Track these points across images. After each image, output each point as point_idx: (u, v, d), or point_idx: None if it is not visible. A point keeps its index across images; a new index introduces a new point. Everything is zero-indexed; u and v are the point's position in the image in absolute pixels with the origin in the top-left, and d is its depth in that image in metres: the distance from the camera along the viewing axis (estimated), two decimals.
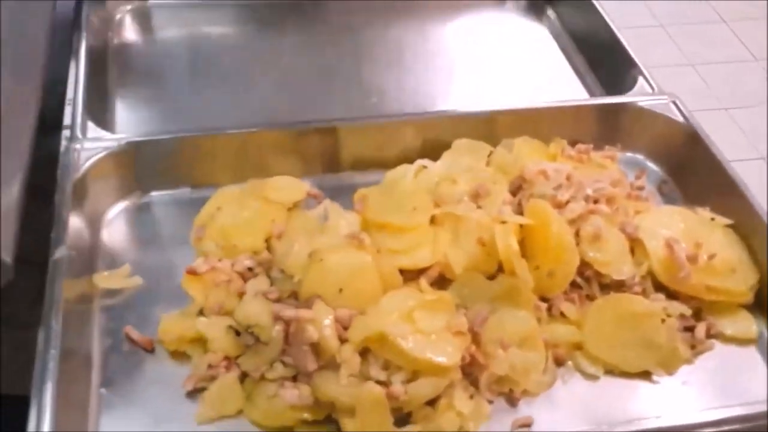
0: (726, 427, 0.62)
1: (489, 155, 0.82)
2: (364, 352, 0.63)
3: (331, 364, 0.62)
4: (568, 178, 0.76)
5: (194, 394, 0.64)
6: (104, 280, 0.70)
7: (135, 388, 0.64)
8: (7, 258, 0.57)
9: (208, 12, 1.05)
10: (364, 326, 0.63)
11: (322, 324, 0.62)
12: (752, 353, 0.70)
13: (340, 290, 0.65)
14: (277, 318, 0.63)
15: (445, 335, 0.64)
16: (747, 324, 0.71)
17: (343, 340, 0.63)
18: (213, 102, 0.91)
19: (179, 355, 0.66)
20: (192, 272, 0.68)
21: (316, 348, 0.63)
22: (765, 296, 0.72)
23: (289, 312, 0.63)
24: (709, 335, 0.70)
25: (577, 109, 0.86)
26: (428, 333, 0.63)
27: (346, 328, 0.64)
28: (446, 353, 0.63)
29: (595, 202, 0.75)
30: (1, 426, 0.70)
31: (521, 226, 0.71)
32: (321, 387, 0.62)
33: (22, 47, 0.75)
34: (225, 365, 0.64)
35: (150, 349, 0.66)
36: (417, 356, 0.62)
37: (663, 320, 0.67)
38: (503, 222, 0.70)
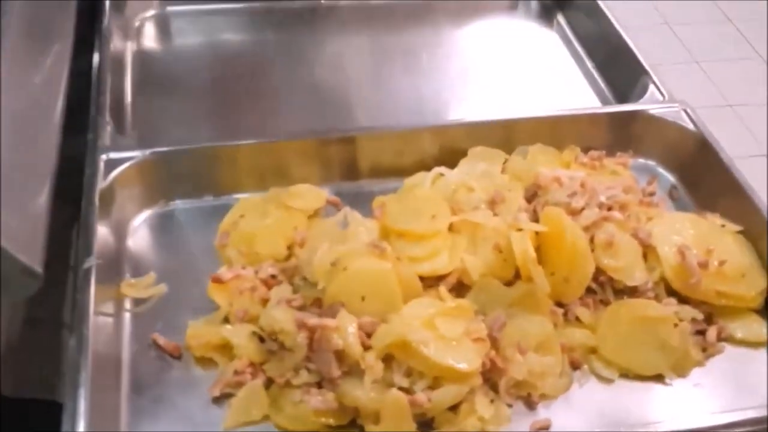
0: (738, 430, 0.64)
1: (504, 162, 0.84)
2: (388, 359, 0.65)
3: (355, 371, 0.64)
4: (582, 185, 0.78)
5: (221, 399, 0.66)
6: (130, 288, 0.72)
7: (164, 394, 0.66)
8: (39, 268, 0.59)
9: (226, 18, 1.07)
10: (387, 333, 0.65)
11: (346, 332, 0.64)
12: (762, 356, 0.72)
13: (363, 298, 0.67)
14: (301, 325, 0.65)
15: (465, 341, 0.66)
16: (757, 327, 0.73)
17: (366, 347, 0.65)
18: (231, 108, 0.94)
19: (206, 361, 0.68)
20: (217, 280, 0.70)
21: (340, 355, 0.64)
22: None
23: (313, 320, 0.65)
24: (720, 338, 0.72)
25: (591, 117, 0.88)
26: (449, 339, 0.65)
27: (369, 336, 0.65)
28: (467, 359, 0.65)
29: (609, 209, 0.76)
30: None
31: (537, 233, 0.73)
32: (346, 393, 0.64)
33: (46, 50, 0.78)
34: (251, 371, 0.66)
35: (177, 356, 0.68)
36: (439, 362, 0.64)
37: (675, 324, 0.69)
38: (519, 229, 0.72)
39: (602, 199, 0.77)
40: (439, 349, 0.64)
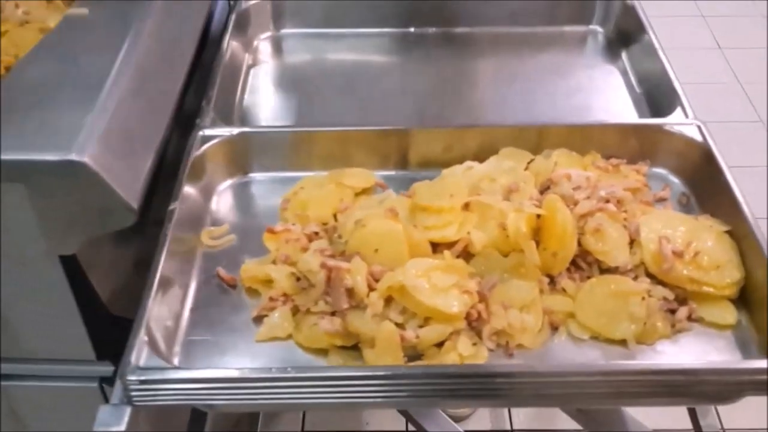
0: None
1: (529, 162, 0.97)
2: (389, 300, 0.79)
3: (362, 306, 0.80)
4: (588, 181, 0.91)
5: (260, 320, 0.83)
6: (207, 234, 0.92)
7: (217, 313, 0.84)
8: (135, 205, 0.78)
9: (331, 41, 1.27)
10: (389, 278, 0.79)
11: (356, 274, 0.80)
12: (728, 336, 0.81)
13: (376, 250, 0.82)
14: (323, 266, 0.81)
15: (453, 291, 0.79)
16: (726, 312, 0.81)
17: (372, 289, 0.80)
18: (324, 111, 1.13)
19: (252, 292, 0.86)
20: (270, 231, 0.89)
21: (350, 292, 0.80)
22: (750, 293, 0.83)
23: (332, 262, 0.81)
24: (690, 319, 0.82)
25: (614, 128, 1.00)
26: (440, 288, 0.79)
27: (377, 280, 0.81)
28: (452, 305, 0.78)
29: (606, 201, 0.88)
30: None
31: (538, 216, 0.86)
32: (351, 321, 0.79)
33: (172, 59, 1.00)
34: (283, 300, 0.83)
35: (233, 285, 0.87)
36: (427, 303, 0.78)
37: (643, 298, 0.80)
38: (519, 211, 0.86)
39: (602, 193, 0.89)
40: (429, 294, 0.78)
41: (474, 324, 0.80)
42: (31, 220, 0.75)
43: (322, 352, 0.80)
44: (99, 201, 0.75)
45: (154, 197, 0.87)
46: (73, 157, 0.71)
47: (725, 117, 2.45)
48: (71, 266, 0.80)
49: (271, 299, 0.83)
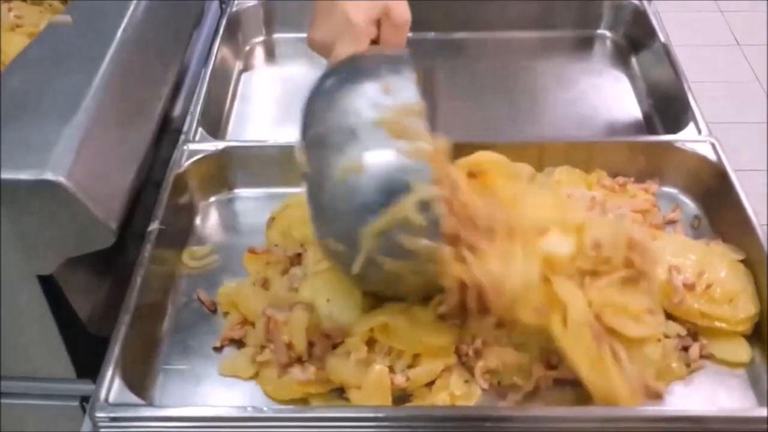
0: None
1: (531, 179, 0.91)
2: (371, 342, 0.73)
3: (338, 351, 0.73)
4: (593, 201, 0.85)
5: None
6: (189, 254, 0.87)
7: (195, 337, 0.79)
8: (113, 225, 0.74)
9: None
10: (369, 319, 0.73)
11: (294, 329, 0.73)
12: (740, 375, 0.75)
13: (328, 300, 0.76)
14: (263, 313, 0.75)
15: (438, 323, 0.74)
16: (739, 349, 0.76)
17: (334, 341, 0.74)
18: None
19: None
20: (252, 252, 0.84)
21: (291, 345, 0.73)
22: (765, 328, 0.77)
23: (270, 311, 0.75)
24: (701, 356, 0.76)
25: (621, 145, 0.94)
26: (425, 322, 0.74)
27: (329, 337, 0.74)
28: (440, 334, 0.73)
29: None
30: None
31: None
32: (333, 368, 0.72)
33: (158, 68, 0.95)
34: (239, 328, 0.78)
35: (213, 309, 0.82)
36: (414, 335, 0.72)
37: (659, 340, 0.74)
38: None
39: (609, 215, 0.84)
40: (415, 327, 0.73)
41: (465, 359, 0.75)
42: (6, 238, 0.72)
43: (299, 401, 0.74)
44: (76, 221, 0.71)
45: (138, 211, 0.84)
46: (49, 176, 0.67)
47: (740, 118, 2.39)
48: (49, 285, 0.76)
49: (233, 327, 0.78)
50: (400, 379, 0.71)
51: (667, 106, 1.04)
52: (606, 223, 0.77)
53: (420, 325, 0.73)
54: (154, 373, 0.77)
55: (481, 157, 0.84)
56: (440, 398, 0.72)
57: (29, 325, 0.80)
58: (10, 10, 1.00)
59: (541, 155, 0.93)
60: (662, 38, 1.10)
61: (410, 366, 0.73)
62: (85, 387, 0.85)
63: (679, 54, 1.07)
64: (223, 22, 1.15)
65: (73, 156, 0.70)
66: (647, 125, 1.04)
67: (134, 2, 0.89)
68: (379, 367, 0.71)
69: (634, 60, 1.16)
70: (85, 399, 0.87)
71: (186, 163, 0.90)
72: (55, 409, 0.89)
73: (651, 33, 1.12)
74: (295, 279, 0.79)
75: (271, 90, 1.14)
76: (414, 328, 0.73)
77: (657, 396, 0.72)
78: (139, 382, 0.74)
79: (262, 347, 0.75)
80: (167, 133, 0.97)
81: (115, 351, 0.72)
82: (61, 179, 0.67)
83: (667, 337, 0.75)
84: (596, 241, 0.72)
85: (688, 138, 0.93)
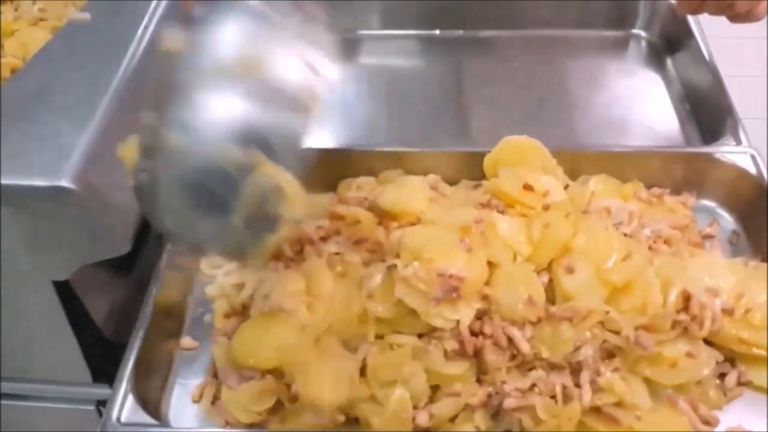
0: None
1: (565, 188, 0.86)
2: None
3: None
4: (630, 216, 0.81)
5: None
6: (209, 261, 0.84)
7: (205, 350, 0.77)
8: (129, 232, 0.72)
9: (354, 44, 1.18)
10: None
11: None
12: None
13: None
14: None
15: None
16: None
17: None
18: (341, 122, 1.04)
19: None
20: None
21: None
22: None
23: None
24: (739, 383, 0.73)
25: (659, 155, 0.89)
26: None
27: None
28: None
29: (653, 242, 0.79)
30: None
31: None
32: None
33: None
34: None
35: None
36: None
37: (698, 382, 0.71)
38: None
39: (647, 232, 0.80)
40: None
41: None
42: (21, 244, 0.71)
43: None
44: (91, 229, 0.70)
45: None
46: (63, 183, 0.66)
47: None
48: (65, 291, 0.75)
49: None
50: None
51: (705, 112, 0.99)
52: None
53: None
54: (169, 389, 0.74)
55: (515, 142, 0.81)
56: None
57: (45, 330, 0.79)
58: (34, 3, 0.98)
59: (574, 163, 0.89)
60: (700, 39, 1.05)
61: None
62: (101, 391, 0.85)
63: (721, 50, 1.03)
64: None
65: (89, 161, 0.68)
66: (683, 131, 0.99)
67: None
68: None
69: (669, 61, 1.11)
70: (101, 403, 0.87)
71: None
72: (71, 413, 0.88)
73: (688, 33, 1.07)
74: None
75: None
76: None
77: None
78: (153, 398, 0.72)
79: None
80: None
81: (128, 367, 0.70)
82: (75, 186, 0.66)
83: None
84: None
85: (726, 149, 0.88)
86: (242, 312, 0.76)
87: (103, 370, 0.83)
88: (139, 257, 0.84)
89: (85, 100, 0.74)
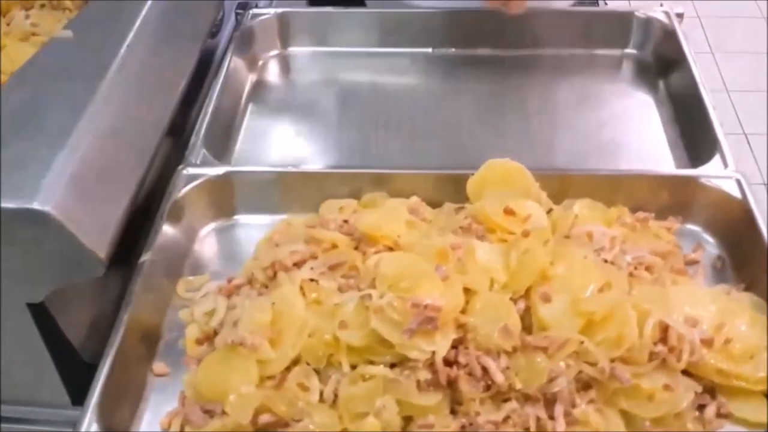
0: None
1: (548, 212, 0.85)
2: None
3: None
4: (612, 241, 0.80)
5: None
6: (185, 284, 0.84)
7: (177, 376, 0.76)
8: (102, 255, 0.71)
9: (347, 60, 1.17)
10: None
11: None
12: None
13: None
14: None
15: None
16: (760, 409, 0.71)
17: None
18: (328, 141, 1.03)
19: None
20: (229, 282, 0.81)
21: None
22: None
23: None
24: (719, 414, 0.71)
25: (644, 179, 0.89)
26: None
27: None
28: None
29: (634, 268, 0.78)
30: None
31: None
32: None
33: (163, 88, 0.92)
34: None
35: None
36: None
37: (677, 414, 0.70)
38: None
39: (628, 258, 0.79)
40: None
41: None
42: None
43: None
44: (65, 251, 0.69)
45: (137, 231, 0.82)
46: (36, 206, 0.65)
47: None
48: (40, 313, 0.74)
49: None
50: None
51: (693, 135, 0.98)
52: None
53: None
54: (139, 416, 0.74)
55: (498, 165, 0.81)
56: None
57: (21, 353, 0.78)
58: (27, 17, 0.98)
59: (559, 186, 0.88)
60: (691, 61, 1.04)
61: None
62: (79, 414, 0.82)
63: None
64: (236, 35, 1.12)
65: (64, 183, 0.68)
66: (673, 154, 0.98)
67: (141, 17, 0.87)
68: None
69: (661, 83, 1.10)
70: None
71: (184, 189, 0.87)
72: None
73: (680, 54, 1.07)
74: None
75: (284, 105, 1.10)
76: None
77: None
78: (121, 426, 0.72)
79: None
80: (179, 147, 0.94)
81: (95, 394, 0.70)
82: (50, 209, 0.65)
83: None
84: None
85: (712, 173, 0.87)
86: (214, 337, 0.75)
87: (82, 393, 0.79)
88: (117, 277, 0.82)
89: (63, 120, 0.73)
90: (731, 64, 2.47)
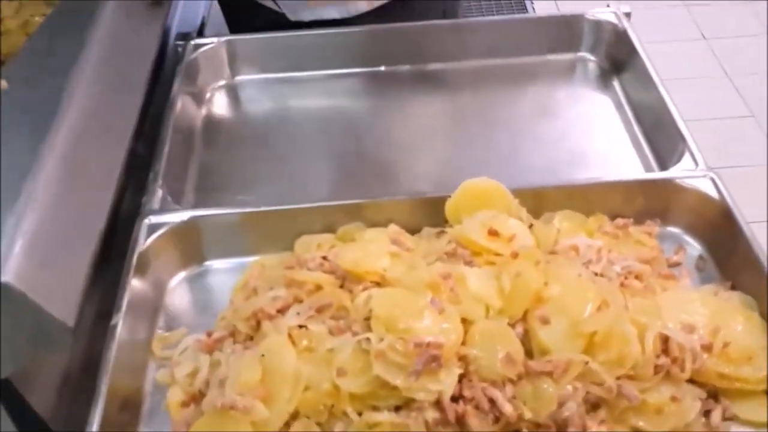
0: None
1: (530, 227, 0.84)
2: None
3: None
4: (598, 253, 0.79)
5: None
6: (160, 341, 0.79)
7: None
8: (70, 323, 0.67)
9: (298, 86, 1.13)
10: None
11: None
12: None
13: None
14: None
15: None
16: (762, 409, 0.71)
17: None
18: (291, 173, 0.99)
19: None
20: (208, 335, 0.77)
21: None
22: None
23: None
24: (725, 418, 0.71)
25: (619, 185, 0.88)
26: None
27: None
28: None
29: (624, 278, 0.77)
30: None
31: None
32: None
33: (112, 130, 0.87)
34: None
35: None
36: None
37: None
38: None
39: (617, 268, 0.78)
40: None
41: None
42: None
43: None
44: (29, 323, 0.64)
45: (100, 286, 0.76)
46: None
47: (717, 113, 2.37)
48: (4, 389, 0.69)
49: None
50: None
51: (657, 134, 0.98)
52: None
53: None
54: None
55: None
56: None
57: None
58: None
59: (536, 200, 0.87)
60: (645, 58, 1.04)
61: None
62: None
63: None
64: (181, 68, 1.07)
65: (21, 249, 0.63)
66: (639, 155, 0.98)
67: (79, 60, 0.82)
68: None
69: (617, 83, 1.10)
70: None
71: (149, 240, 0.82)
72: None
73: (633, 53, 1.06)
74: None
75: (238, 139, 1.06)
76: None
77: None
78: None
79: None
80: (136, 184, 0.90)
81: None
82: (9, 279, 0.60)
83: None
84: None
85: (685, 173, 0.87)
86: (200, 398, 0.71)
87: None
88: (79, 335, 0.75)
89: (8, 182, 0.68)
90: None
